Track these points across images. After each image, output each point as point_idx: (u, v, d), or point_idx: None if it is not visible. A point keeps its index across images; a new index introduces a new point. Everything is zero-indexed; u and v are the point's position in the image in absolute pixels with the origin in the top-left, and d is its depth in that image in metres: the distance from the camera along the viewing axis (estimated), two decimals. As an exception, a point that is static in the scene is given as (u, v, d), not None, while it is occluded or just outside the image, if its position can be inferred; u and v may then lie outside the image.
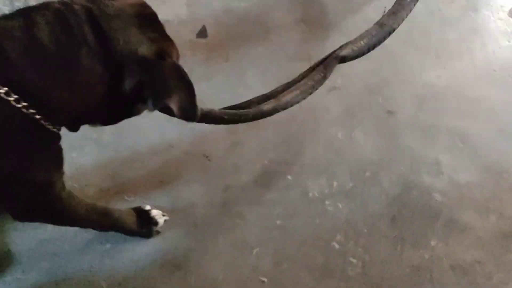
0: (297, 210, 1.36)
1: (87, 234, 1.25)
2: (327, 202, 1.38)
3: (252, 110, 1.18)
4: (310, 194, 1.39)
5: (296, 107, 1.51)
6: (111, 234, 1.24)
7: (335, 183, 1.42)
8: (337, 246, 1.31)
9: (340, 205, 1.38)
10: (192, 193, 1.36)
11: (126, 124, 1.43)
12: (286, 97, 1.23)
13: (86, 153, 1.39)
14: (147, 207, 1.27)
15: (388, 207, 1.39)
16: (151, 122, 1.46)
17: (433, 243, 1.33)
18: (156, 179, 1.37)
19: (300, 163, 1.44)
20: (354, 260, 1.29)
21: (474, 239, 1.34)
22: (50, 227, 1.24)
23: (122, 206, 1.30)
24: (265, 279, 1.24)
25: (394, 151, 1.49)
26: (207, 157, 1.42)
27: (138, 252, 1.25)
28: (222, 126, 1.47)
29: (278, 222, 1.33)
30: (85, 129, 1.40)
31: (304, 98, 1.26)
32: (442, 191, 1.43)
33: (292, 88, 1.25)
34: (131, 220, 1.23)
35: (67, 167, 1.33)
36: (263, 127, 1.46)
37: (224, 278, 1.23)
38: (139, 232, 1.25)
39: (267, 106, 1.20)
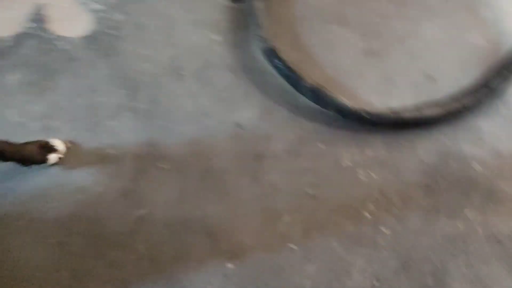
0: (329, 178, 1.36)
1: (127, 200, 1.31)
2: (359, 171, 1.37)
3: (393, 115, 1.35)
4: (342, 163, 1.38)
5: (330, 71, 1.48)
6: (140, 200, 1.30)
7: (368, 151, 1.39)
8: (368, 215, 1.31)
9: (372, 174, 1.36)
10: (224, 162, 1.38)
11: (162, 92, 1.47)
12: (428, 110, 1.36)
13: (123, 121, 1.43)
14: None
15: (423, 176, 1.36)
16: (186, 90, 1.48)
17: (469, 214, 1.30)
18: (189, 148, 1.40)
19: (332, 130, 1.42)
20: (385, 230, 1.29)
21: (513, 211, 1.30)
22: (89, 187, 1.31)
23: (158, 174, 1.35)
24: (295, 247, 1.27)
25: (432, 119, 1.44)
26: (240, 125, 1.43)
27: (170, 218, 1.30)
28: (255, 93, 1.47)
29: (309, 190, 1.34)
30: (120, 97, 1.46)
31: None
32: (482, 161, 1.37)
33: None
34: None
35: (107, 135, 1.40)
36: (296, 95, 1.45)
37: (254, 245, 1.26)
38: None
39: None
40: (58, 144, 1.37)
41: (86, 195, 1.32)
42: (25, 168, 1.33)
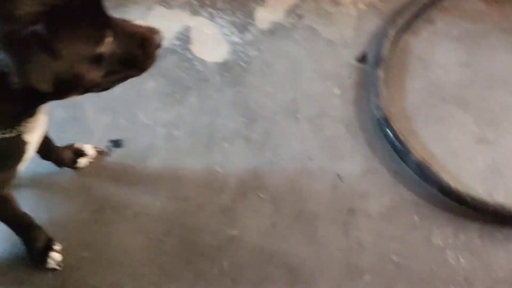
0: (416, 251, 1.37)
1: (223, 218, 1.42)
2: (449, 252, 1.37)
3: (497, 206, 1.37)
4: (433, 240, 1.39)
5: (438, 148, 1.51)
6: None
7: (462, 235, 1.39)
8: (449, 298, 1.30)
9: (462, 259, 1.36)
10: (318, 207, 1.44)
11: (275, 128, 1.59)
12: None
13: (235, 145, 1.56)
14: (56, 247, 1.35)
15: (514, 277, 1.33)
16: (297, 132, 1.58)
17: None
18: (289, 185, 1.49)
19: (430, 206, 1.44)
20: (464, 318, 1.27)
21: None
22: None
23: (256, 201, 1.45)
24: (369, 307, 1.29)
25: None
26: (340, 177, 1.50)
27: (257, 245, 1.38)
28: (362, 150, 1.54)
29: (394, 257, 1.36)
30: (238, 123, 1.59)
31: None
32: None
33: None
34: (38, 243, 1.33)
35: (219, 155, 1.53)
36: (401, 162, 1.49)
37: (331, 295, 1.30)
38: (32, 255, 1.35)
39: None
40: (90, 149, 1.52)
41: (188, 203, 1.45)
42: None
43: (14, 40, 0.76)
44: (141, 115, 1.64)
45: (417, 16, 1.78)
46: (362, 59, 1.72)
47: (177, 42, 1.80)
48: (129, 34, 0.95)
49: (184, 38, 1.82)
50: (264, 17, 1.87)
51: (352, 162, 1.52)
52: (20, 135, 1.01)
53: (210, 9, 1.89)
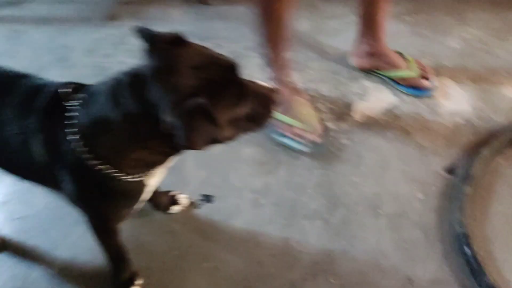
0: None
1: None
2: None
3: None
4: None
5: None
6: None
7: None
8: None
9: None
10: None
11: (355, 218, 1.66)
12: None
13: (314, 225, 1.65)
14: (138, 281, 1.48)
15: None
16: (375, 227, 1.64)
17: None
18: (359, 276, 1.53)
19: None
20: None
21: None
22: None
23: (325, 285, 1.51)
24: None
25: None
26: (410, 280, 1.53)
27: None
28: (436, 258, 1.56)
29: None
30: (320, 205, 1.68)
31: None
32: None
33: None
34: (125, 274, 1.47)
35: (297, 230, 1.63)
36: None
37: None
38: (114, 282, 1.49)
39: None
40: (184, 199, 1.68)
41: (262, 269, 1.54)
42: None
43: (182, 110, 0.93)
44: (233, 177, 1.79)
45: (512, 143, 1.83)
46: (451, 171, 1.78)
47: (278, 117, 1.97)
48: (257, 94, 1.08)
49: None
50: (362, 110, 2.00)
51: (425, 269, 1.55)
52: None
53: (313, 93, 2.06)
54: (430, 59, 2.17)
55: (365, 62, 2.12)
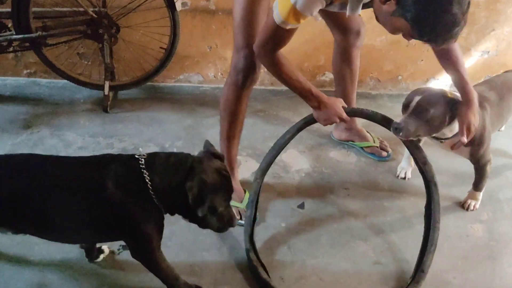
0: None
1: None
2: None
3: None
4: None
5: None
6: None
7: None
8: None
9: None
10: None
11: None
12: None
13: (211, 253, 2.22)
14: None
15: None
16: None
17: None
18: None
19: None
20: None
21: None
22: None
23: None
24: None
25: None
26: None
27: None
28: None
29: None
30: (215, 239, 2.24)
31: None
32: None
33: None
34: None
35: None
36: None
37: None
38: None
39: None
40: (106, 248, 2.12)
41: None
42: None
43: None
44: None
45: None
46: (300, 206, 2.54)
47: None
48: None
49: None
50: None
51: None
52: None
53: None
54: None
55: (343, 135, 2.91)
